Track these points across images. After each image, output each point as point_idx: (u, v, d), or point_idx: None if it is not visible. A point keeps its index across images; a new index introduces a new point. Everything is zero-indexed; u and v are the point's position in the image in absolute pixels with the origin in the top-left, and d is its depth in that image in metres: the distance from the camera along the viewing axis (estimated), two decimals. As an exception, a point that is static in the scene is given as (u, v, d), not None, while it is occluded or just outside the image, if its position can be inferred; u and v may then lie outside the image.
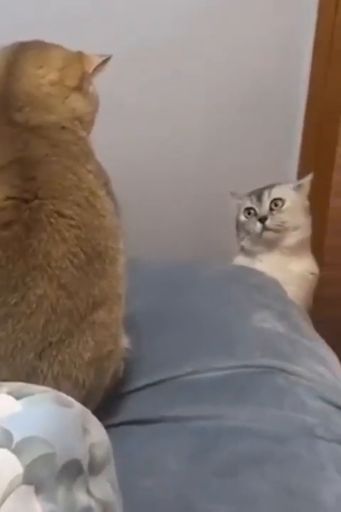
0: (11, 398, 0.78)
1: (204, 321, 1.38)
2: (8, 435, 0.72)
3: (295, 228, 1.80)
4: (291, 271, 1.79)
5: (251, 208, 1.83)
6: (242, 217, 1.86)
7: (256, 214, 1.81)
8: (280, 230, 1.78)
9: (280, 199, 1.81)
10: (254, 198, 1.84)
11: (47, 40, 1.26)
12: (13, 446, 0.71)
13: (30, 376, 0.99)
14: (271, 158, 2.20)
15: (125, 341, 1.18)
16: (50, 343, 0.99)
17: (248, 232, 1.83)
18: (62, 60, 1.22)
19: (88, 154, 1.14)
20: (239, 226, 1.88)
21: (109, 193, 1.13)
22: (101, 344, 1.05)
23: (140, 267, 1.55)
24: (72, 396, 0.91)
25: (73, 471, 0.75)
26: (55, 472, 0.73)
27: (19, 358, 0.99)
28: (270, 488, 1.01)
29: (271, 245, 1.80)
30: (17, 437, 0.72)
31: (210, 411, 1.15)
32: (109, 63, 1.27)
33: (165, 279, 1.55)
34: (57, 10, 1.84)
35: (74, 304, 1.00)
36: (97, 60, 1.26)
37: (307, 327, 1.51)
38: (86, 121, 1.21)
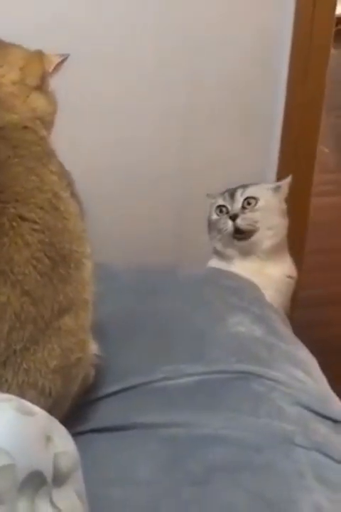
0: (-29, 407, 0.75)
1: (178, 326, 1.35)
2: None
3: (269, 229, 1.76)
4: (268, 275, 1.75)
5: (223, 206, 1.79)
6: (214, 216, 1.82)
7: (227, 212, 1.78)
8: (252, 230, 1.74)
9: (253, 198, 1.76)
10: (227, 196, 1.80)
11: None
12: (-28, 457, 0.68)
13: None
14: (248, 159, 2.16)
15: (93, 347, 1.14)
16: (15, 351, 0.96)
17: (219, 231, 1.78)
18: (23, 59, 1.20)
19: (50, 155, 1.11)
20: (211, 225, 1.83)
21: (73, 194, 1.10)
22: (68, 351, 1.01)
23: (113, 272, 1.53)
24: (38, 405, 0.88)
25: (35, 483, 0.72)
26: (15, 484, 0.70)
27: None
28: (244, 497, 0.98)
29: (244, 251, 1.76)
30: (-25, 448, 0.69)
31: (182, 418, 1.12)
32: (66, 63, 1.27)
33: (139, 284, 1.52)
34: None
35: (38, 311, 0.97)
36: (56, 59, 1.24)
37: (286, 330, 1.48)
38: (47, 121, 1.19)
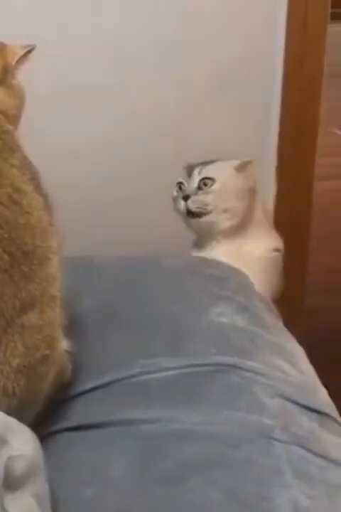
0: None
1: (157, 318, 1.31)
2: None
3: (224, 212, 1.69)
4: (249, 253, 1.68)
5: (182, 183, 1.73)
6: (174, 192, 1.75)
7: (183, 191, 1.71)
8: (202, 212, 1.68)
9: (210, 178, 1.69)
10: (185, 173, 1.73)
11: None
12: None
13: None
14: (248, 142, 2.11)
15: (64, 344, 1.11)
16: None
17: (178, 210, 1.73)
18: None
19: (13, 148, 1.06)
20: (173, 201, 1.77)
21: (38, 187, 1.06)
22: (33, 349, 0.98)
23: (93, 265, 1.50)
24: (1, 406, 0.85)
25: (-17, 488, 0.69)
26: None
27: None
28: (219, 495, 0.94)
29: (200, 231, 1.70)
30: None
31: (158, 414, 1.08)
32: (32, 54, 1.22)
33: (118, 276, 1.47)
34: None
35: None
36: (20, 51, 1.19)
37: (273, 320, 1.43)
38: (11, 115, 1.14)
